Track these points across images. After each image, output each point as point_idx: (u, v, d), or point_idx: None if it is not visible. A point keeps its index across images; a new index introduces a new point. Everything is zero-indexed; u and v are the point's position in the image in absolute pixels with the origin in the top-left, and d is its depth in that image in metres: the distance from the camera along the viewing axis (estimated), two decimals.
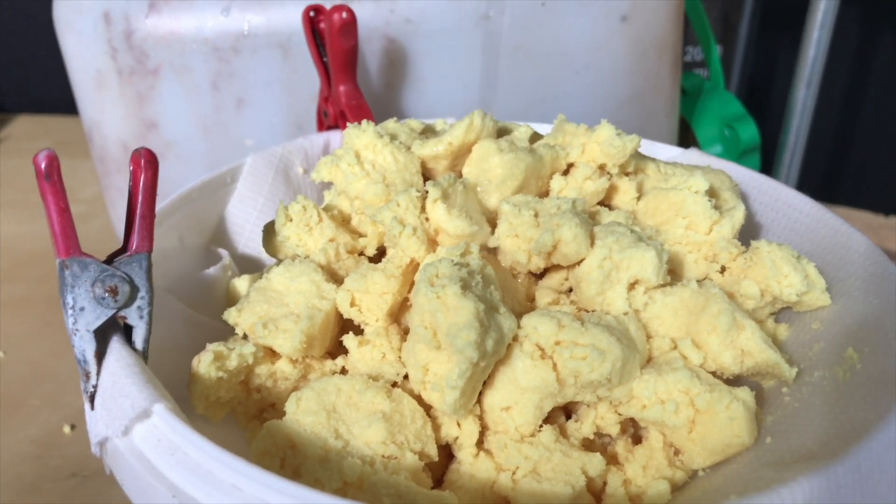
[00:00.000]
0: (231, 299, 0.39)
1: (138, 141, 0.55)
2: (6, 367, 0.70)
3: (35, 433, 0.63)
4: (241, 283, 0.39)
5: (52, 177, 0.26)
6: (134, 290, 0.28)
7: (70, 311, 0.27)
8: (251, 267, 0.43)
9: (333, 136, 0.47)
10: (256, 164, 0.44)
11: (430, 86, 0.54)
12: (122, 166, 0.58)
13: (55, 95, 1.25)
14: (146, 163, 0.28)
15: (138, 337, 0.29)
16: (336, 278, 0.35)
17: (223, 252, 0.40)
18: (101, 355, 0.28)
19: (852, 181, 0.73)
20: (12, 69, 1.25)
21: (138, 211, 0.29)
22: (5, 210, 0.98)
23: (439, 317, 0.28)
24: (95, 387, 0.28)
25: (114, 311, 0.28)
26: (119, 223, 0.68)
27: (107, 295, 0.27)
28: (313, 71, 0.51)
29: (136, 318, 0.28)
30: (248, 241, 0.43)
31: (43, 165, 0.26)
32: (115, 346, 0.28)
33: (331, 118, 0.48)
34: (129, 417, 0.26)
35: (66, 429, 0.63)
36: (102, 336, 0.28)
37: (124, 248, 0.29)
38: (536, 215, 0.33)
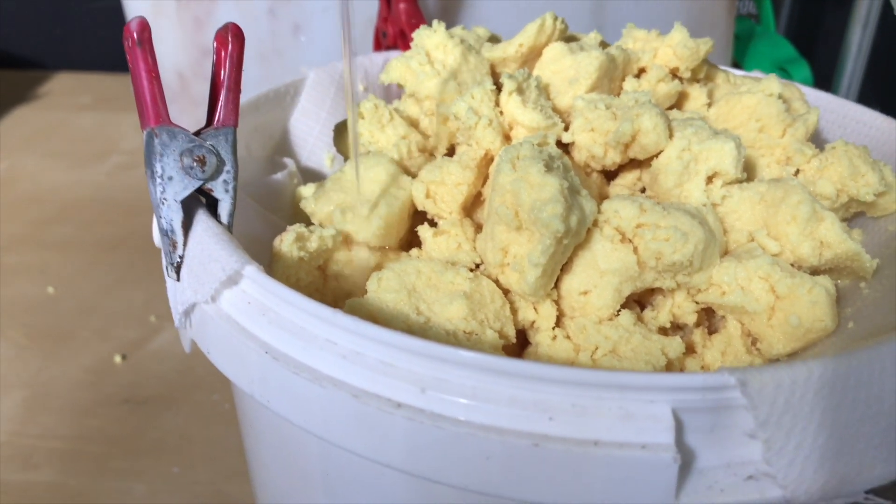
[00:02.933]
0: (297, 206, 0.39)
1: (194, 68, 0.55)
2: (56, 302, 0.72)
3: (87, 362, 0.64)
4: (307, 191, 0.39)
5: (143, 43, 0.27)
6: (220, 162, 0.28)
7: (158, 181, 0.27)
8: (314, 179, 0.43)
9: (393, 55, 0.47)
10: (319, 79, 0.44)
11: (485, 10, 0.54)
12: (176, 96, 0.58)
13: (93, 53, 1.26)
14: (233, 36, 0.29)
15: (223, 210, 0.29)
16: (408, 174, 0.35)
17: (288, 161, 0.41)
18: (187, 226, 0.28)
19: None
20: (51, 27, 1.25)
21: (224, 85, 0.29)
22: (50, 160, 0.99)
23: (523, 195, 0.28)
24: (182, 256, 0.28)
25: (201, 182, 0.28)
26: None
27: (195, 165, 0.28)
28: None
29: (221, 191, 0.29)
30: (311, 153, 0.43)
31: (135, 33, 0.27)
32: (202, 216, 0.28)
33: (389, 38, 0.48)
34: (219, 280, 0.26)
35: (118, 358, 0.64)
36: (187, 209, 0.28)
37: (208, 124, 0.29)
38: (612, 109, 0.33)
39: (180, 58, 0.56)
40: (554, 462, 0.22)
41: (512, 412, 0.22)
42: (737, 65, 0.69)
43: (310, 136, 0.43)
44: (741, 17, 0.76)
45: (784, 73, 0.66)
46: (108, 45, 1.24)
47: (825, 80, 0.69)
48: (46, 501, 0.50)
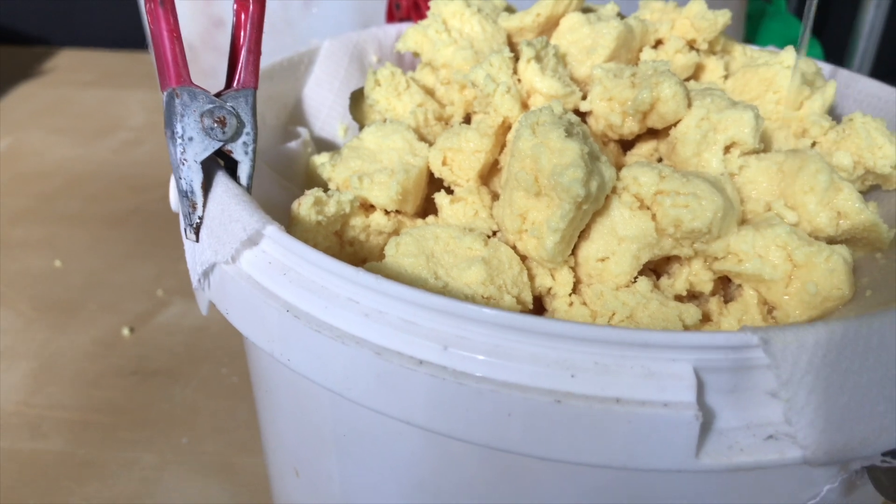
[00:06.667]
0: (310, 175, 0.39)
1: (204, 39, 0.55)
2: (64, 276, 0.72)
3: (95, 334, 0.64)
4: (321, 159, 0.39)
5: (165, 3, 0.27)
6: (240, 124, 0.28)
7: (179, 141, 0.27)
8: (327, 149, 0.43)
9: (406, 27, 0.47)
10: (333, 49, 0.44)
11: None
12: None
13: (98, 30, 1.26)
14: None
15: (243, 173, 0.29)
16: (424, 143, 0.35)
17: (302, 130, 0.41)
18: (206, 188, 0.28)
19: None
20: (57, 3, 1.25)
21: (244, 46, 0.29)
22: (56, 136, 0.99)
23: (543, 159, 0.28)
24: (201, 217, 0.28)
25: (221, 143, 0.28)
26: None
27: (216, 125, 0.28)
28: None
29: (241, 153, 0.29)
30: (324, 124, 0.43)
31: None
32: (222, 178, 0.28)
33: (403, 10, 0.48)
34: (240, 240, 0.26)
35: (126, 331, 0.64)
36: (207, 170, 0.28)
37: (228, 85, 0.29)
38: (631, 78, 0.33)
39: (190, 28, 0.55)
40: (576, 419, 0.22)
41: (534, 369, 0.22)
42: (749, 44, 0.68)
43: (323, 105, 0.43)
44: None
45: None
46: (112, 23, 1.24)
47: (836, 59, 0.69)
48: (55, 470, 0.51)
